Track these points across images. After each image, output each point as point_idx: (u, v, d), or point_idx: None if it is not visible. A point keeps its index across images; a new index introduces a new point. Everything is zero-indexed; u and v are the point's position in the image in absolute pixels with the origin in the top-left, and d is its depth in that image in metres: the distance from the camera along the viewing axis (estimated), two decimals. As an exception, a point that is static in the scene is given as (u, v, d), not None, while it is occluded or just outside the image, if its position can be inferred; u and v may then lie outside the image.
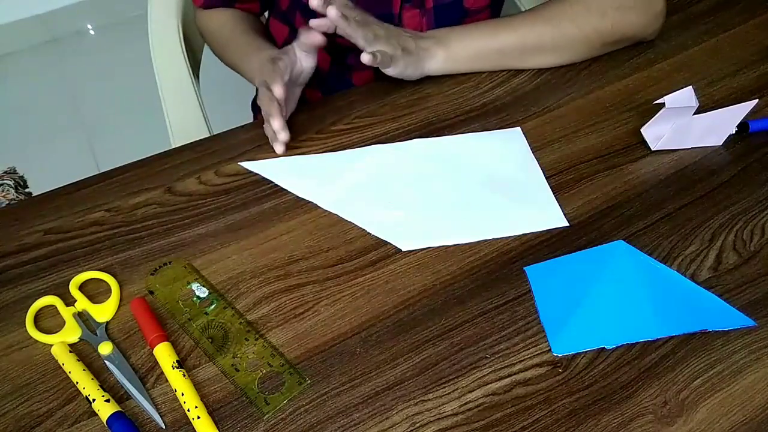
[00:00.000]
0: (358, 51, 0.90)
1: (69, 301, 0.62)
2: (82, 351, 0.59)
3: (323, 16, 0.86)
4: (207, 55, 1.02)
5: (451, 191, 0.71)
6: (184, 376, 0.56)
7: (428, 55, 0.80)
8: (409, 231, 0.67)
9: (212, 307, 0.62)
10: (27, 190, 1.82)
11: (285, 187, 0.71)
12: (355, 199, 0.70)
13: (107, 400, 0.54)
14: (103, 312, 0.61)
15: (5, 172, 1.83)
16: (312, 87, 0.98)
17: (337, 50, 0.91)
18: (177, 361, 0.57)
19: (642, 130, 0.74)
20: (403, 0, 0.85)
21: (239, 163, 0.74)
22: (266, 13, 1.02)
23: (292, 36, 0.94)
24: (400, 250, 0.66)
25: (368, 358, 0.58)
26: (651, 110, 0.75)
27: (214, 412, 0.55)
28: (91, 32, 2.35)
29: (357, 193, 0.71)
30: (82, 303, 0.62)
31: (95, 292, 0.63)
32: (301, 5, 0.87)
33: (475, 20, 0.92)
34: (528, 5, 1.08)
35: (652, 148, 0.74)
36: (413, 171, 0.73)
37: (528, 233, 0.67)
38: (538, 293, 0.62)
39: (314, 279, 0.64)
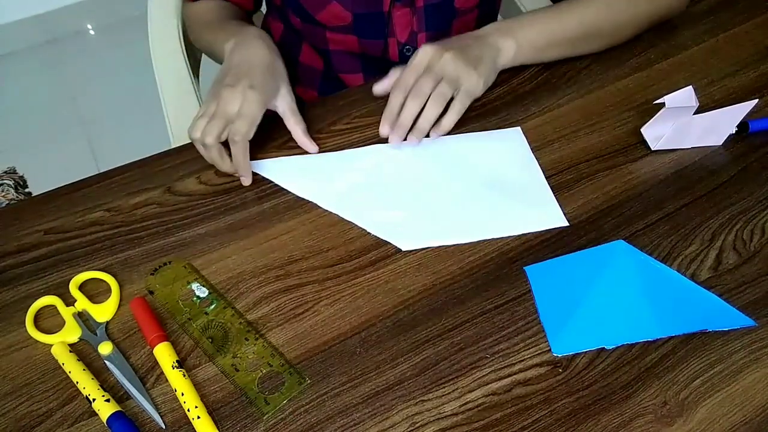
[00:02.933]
0: (345, 53, 0.90)
1: (69, 301, 0.62)
2: (82, 351, 0.59)
3: (315, 22, 0.86)
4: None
5: (451, 191, 0.71)
6: (184, 376, 0.56)
7: (497, 50, 0.77)
8: (409, 231, 0.67)
9: (212, 307, 0.62)
10: (27, 190, 1.82)
11: (285, 187, 0.71)
12: (355, 199, 0.70)
13: (107, 400, 0.54)
14: (103, 312, 0.61)
15: (5, 172, 1.83)
16: (308, 87, 0.98)
17: (324, 52, 0.91)
18: (177, 361, 0.57)
19: (642, 130, 0.74)
20: None
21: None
22: (263, 10, 1.01)
23: (287, 33, 0.94)
24: (400, 250, 0.66)
25: (368, 358, 0.58)
26: (651, 110, 0.75)
27: (214, 412, 0.55)
28: (91, 32, 2.35)
29: (357, 193, 0.71)
30: (82, 303, 0.62)
31: (95, 292, 0.63)
32: (292, 3, 0.87)
33: (464, 20, 0.91)
34: (529, 5, 1.08)
35: (652, 148, 0.74)
36: (413, 171, 0.73)
37: (528, 233, 0.67)
38: (538, 293, 0.62)
39: (314, 279, 0.64)
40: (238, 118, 0.68)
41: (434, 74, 0.72)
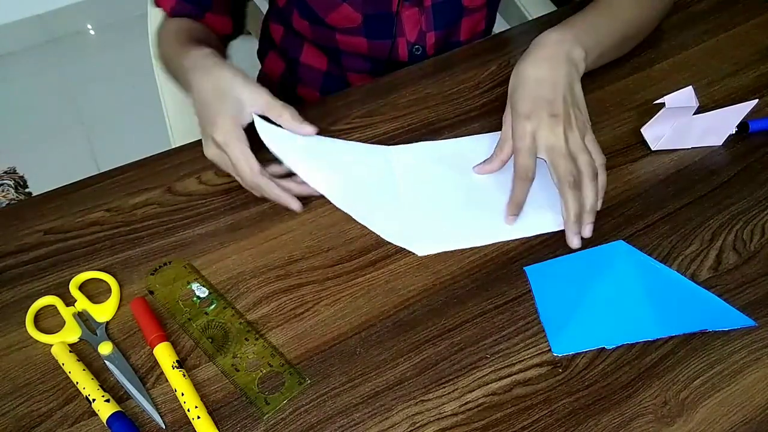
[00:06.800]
0: (354, 53, 0.90)
1: (69, 301, 0.62)
2: (82, 351, 0.59)
3: (325, 24, 0.86)
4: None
5: (454, 194, 0.71)
6: (184, 376, 0.56)
7: (579, 73, 0.71)
8: (420, 235, 0.67)
9: (212, 307, 0.62)
10: (27, 190, 1.82)
11: (287, 164, 0.67)
12: (362, 196, 0.69)
13: (107, 400, 0.54)
14: (103, 312, 0.61)
15: (5, 172, 1.83)
16: (310, 87, 0.98)
17: (334, 51, 0.91)
18: (177, 361, 0.57)
19: (642, 130, 0.74)
20: None
21: (254, 114, 0.66)
22: (263, 11, 1.01)
23: (288, 34, 0.94)
24: (400, 251, 0.66)
25: (368, 358, 0.58)
26: (651, 110, 0.75)
27: (214, 412, 0.55)
28: (91, 32, 2.35)
29: (363, 189, 0.70)
30: (82, 303, 0.62)
31: (95, 292, 0.63)
32: (298, 4, 0.87)
33: (473, 19, 0.91)
34: (528, 4, 1.08)
35: (652, 148, 0.74)
36: (415, 173, 0.73)
37: (528, 233, 0.67)
38: (538, 293, 0.62)
39: (314, 279, 0.64)
40: (235, 166, 0.66)
41: (569, 157, 0.65)
